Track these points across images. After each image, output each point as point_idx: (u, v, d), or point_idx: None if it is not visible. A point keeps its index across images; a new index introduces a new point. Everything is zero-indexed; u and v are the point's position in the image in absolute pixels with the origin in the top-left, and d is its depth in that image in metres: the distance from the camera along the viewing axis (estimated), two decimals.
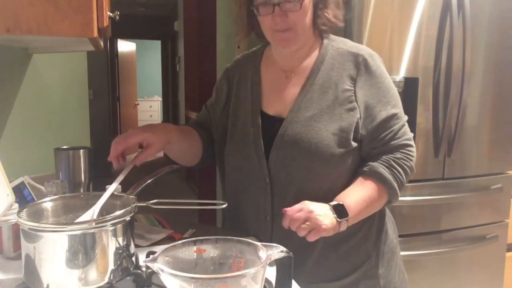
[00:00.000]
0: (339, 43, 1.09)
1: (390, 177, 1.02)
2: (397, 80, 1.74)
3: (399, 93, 1.73)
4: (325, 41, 1.09)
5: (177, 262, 0.68)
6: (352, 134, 1.03)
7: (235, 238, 0.71)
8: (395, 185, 1.03)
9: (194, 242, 0.71)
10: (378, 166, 1.02)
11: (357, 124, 1.03)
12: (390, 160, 1.03)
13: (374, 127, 1.04)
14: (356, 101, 1.03)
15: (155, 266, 0.62)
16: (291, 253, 0.69)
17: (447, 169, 1.88)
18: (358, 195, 1.01)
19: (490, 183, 1.96)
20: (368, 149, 1.06)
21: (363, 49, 1.08)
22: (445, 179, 1.89)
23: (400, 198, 1.78)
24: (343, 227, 0.98)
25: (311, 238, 0.95)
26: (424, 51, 1.79)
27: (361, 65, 1.04)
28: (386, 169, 1.02)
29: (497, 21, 1.88)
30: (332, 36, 1.11)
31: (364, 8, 1.69)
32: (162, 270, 0.61)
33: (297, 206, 0.96)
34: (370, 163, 1.04)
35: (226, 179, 1.21)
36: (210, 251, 0.71)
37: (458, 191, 1.90)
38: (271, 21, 1.00)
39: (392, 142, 1.04)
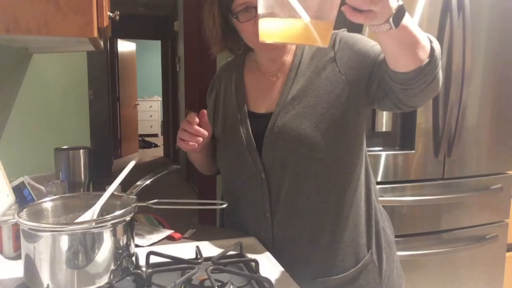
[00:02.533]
0: None
1: (437, 45, 0.88)
2: None
3: None
4: None
5: None
6: (345, 112, 1.02)
7: None
8: (436, 49, 0.87)
9: None
10: None
11: (345, 101, 1.01)
12: None
13: (373, 70, 0.99)
14: (343, 75, 1.02)
15: None
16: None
17: (447, 169, 1.88)
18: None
19: (490, 183, 1.96)
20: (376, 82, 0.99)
21: (338, 30, 1.08)
22: (445, 179, 1.89)
23: (400, 198, 1.81)
24: (390, 26, 0.75)
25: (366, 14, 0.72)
26: None
27: (336, 41, 1.04)
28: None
29: (497, 21, 1.88)
30: None
31: None
32: None
33: None
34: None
35: (222, 181, 1.23)
36: None
37: (458, 191, 1.90)
38: (254, 26, 0.97)
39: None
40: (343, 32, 1.07)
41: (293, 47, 1.10)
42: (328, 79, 1.03)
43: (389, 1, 0.71)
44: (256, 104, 1.12)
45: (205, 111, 1.08)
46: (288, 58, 1.10)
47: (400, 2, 0.75)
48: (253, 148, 1.07)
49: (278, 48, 1.07)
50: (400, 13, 0.74)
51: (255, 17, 0.97)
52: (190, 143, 1.06)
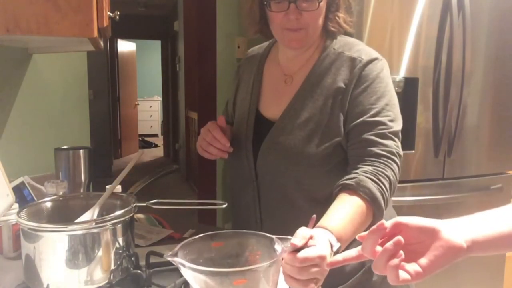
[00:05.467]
0: (343, 47, 1.04)
1: (378, 194, 0.89)
2: (397, 80, 1.74)
3: (399, 93, 1.76)
4: (328, 44, 1.05)
5: (196, 256, 0.70)
6: (338, 142, 0.99)
7: (251, 231, 0.73)
8: (383, 204, 0.89)
9: (211, 237, 0.72)
10: (366, 180, 0.89)
11: (342, 133, 0.99)
12: (377, 173, 0.91)
13: (351, 128, 0.98)
14: (342, 108, 0.99)
15: (176, 261, 0.63)
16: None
17: (447, 169, 1.88)
18: (346, 219, 0.83)
19: (490, 183, 1.96)
20: (348, 149, 1.00)
21: (366, 53, 1.02)
22: (445, 179, 1.89)
23: (400, 198, 1.81)
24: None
25: None
26: (424, 51, 1.79)
27: (355, 69, 0.99)
28: (374, 184, 0.89)
29: (497, 21, 1.88)
30: (340, 39, 1.06)
31: (364, 8, 1.69)
32: (183, 265, 0.62)
33: (311, 255, 0.69)
34: (354, 174, 0.91)
35: (227, 176, 1.22)
36: (227, 244, 0.73)
37: (458, 191, 1.90)
38: (284, 19, 0.97)
39: (370, 148, 0.94)
40: (371, 64, 1.00)
41: (316, 53, 1.05)
42: (335, 112, 0.99)
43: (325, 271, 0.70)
44: (266, 105, 1.10)
45: (223, 117, 1.07)
46: (307, 65, 1.05)
47: (337, 246, 0.75)
48: (250, 154, 1.07)
49: (303, 48, 1.03)
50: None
51: (287, 10, 0.95)
52: (212, 153, 1.06)
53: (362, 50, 1.03)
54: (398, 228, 0.62)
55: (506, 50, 1.91)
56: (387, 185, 0.92)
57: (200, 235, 0.72)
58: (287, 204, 1.03)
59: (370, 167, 0.92)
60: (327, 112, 1.00)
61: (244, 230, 0.73)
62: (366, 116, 0.96)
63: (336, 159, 1.00)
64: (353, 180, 0.90)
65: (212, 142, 1.04)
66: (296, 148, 1.00)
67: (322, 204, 0.99)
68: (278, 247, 0.68)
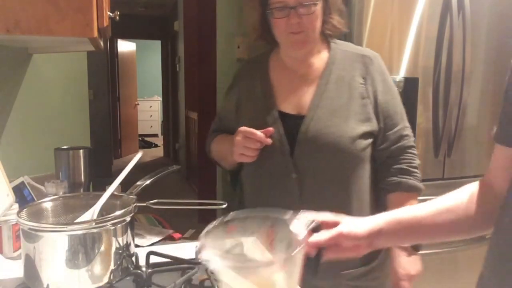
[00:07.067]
0: (344, 46, 1.18)
1: (418, 184, 1.19)
2: (397, 80, 1.74)
3: (399, 93, 1.76)
4: (332, 44, 1.17)
5: (222, 249, 0.68)
6: (369, 126, 1.11)
7: (259, 208, 0.72)
8: (422, 187, 1.22)
9: (226, 223, 0.71)
10: (413, 179, 1.18)
11: (371, 118, 1.12)
12: (410, 169, 1.17)
13: (385, 123, 1.13)
14: (368, 97, 1.12)
15: (219, 265, 0.62)
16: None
17: (447, 169, 1.88)
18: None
19: None
20: (380, 146, 1.14)
21: (366, 50, 1.18)
22: (445, 179, 1.89)
23: None
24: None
25: None
26: (424, 51, 1.79)
27: (368, 65, 1.14)
28: (416, 180, 1.18)
29: (497, 21, 1.88)
30: (336, 40, 1.20)
31: (364, 8, 1.69)
32: (227, 268, 0.62)
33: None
34: (396, 178, 1.16)
35: (246, 179, 1.22)
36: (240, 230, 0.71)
37: None
38: (286, 24, 1.07)
39: (401, 143, 1.15)
40: (376, 59, 1.16)
41: (324, 51, 1.16)
42: (363, 102, 1.11)
43: None
44: (285, 103, 1.15)
45: (272, 129, 1.09)
46: (318, 62, 1.15)
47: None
48: (287, 149, 1.10)
49: (306, 48, 1.12)
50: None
51: (289, 16, 1.05)
52: (252, 155, 1.08)
53: (358, 48, 1.20)
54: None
55: (506, 50, 1.91)
56: (418, 171, 1.19)
57: (214, 222, 0.70)
58: (327, 188, 1.10)
59: (404, 165, 1.16)
60: (356, 102, 1.11)
61: (257, 210, 0.74)
62: (390, 119, 1.14)
63: (370, 139, 1.13)
64: (398, 184, 1.17)
65: (256, 142, 1.06)
66: (337, 132, 1.08)
67: (367, 175, 1.15)
68: (297, 227, 0.67)
